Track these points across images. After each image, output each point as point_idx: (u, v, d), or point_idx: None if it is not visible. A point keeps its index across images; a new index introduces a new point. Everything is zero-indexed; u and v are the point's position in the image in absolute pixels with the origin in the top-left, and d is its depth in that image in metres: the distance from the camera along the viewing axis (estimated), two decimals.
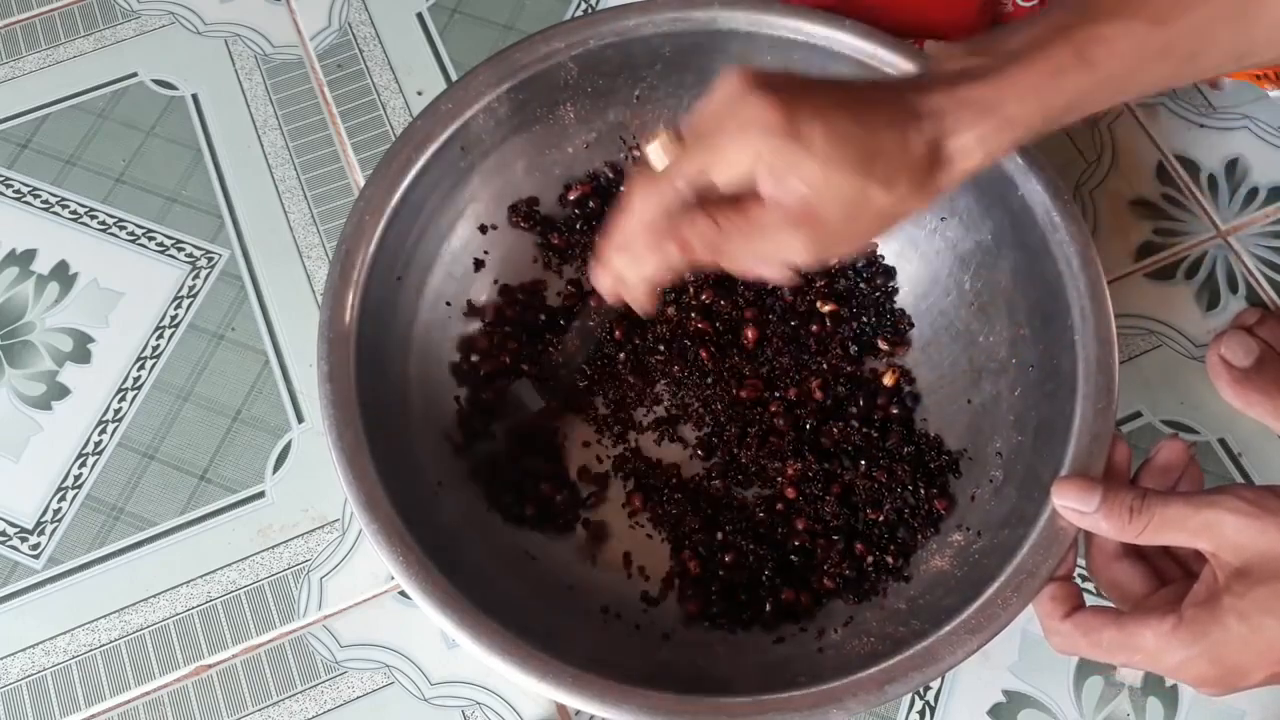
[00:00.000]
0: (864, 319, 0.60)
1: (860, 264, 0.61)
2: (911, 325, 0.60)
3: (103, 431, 0.65)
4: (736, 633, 0.54)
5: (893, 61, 0.55)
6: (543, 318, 0.61)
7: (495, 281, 0.62)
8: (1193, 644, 0.41)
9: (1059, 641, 0.45)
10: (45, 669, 0.59)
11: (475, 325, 0.61)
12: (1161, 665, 0.42)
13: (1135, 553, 0.47)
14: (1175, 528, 0.43)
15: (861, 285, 0.61)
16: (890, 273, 0.61)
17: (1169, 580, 0.46)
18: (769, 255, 0.42)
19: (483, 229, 0.61)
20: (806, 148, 0.38)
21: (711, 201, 0.41)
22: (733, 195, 0.41)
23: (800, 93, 0.39)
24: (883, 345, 0.60)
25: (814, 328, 0.60)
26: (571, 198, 0.62)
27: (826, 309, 0.60)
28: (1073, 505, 0.46)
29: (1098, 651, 0.44)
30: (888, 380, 0.59)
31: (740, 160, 0.39)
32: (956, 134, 0.40)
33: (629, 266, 0.44)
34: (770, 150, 0.39)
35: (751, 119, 0.39)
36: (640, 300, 0.46)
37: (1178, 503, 0.43)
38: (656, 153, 0.42)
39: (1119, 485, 0.46)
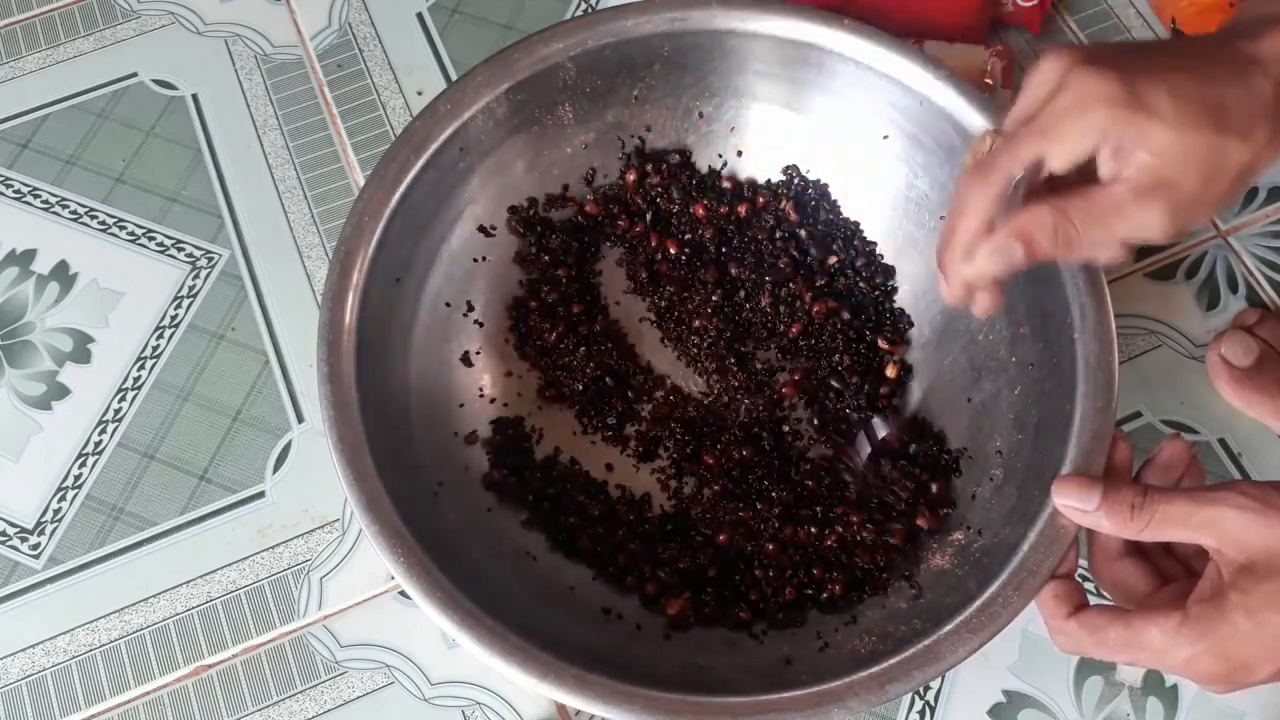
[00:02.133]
0: (864, 318, 0.60)
1: (860, 263, 0.61)
2: (911, 324, 0.60)
3: (103, 431, 0.65)
4: (736, 632, 0.54)
5: (893, 61, 0.55)
6: (546, 322, 0.61)
7: (495, 283, 0.62)
8: (1199, 640, 0.41)
9: (1064, 641, 0.45)
10: (45, 669, 0.59)
11: (475, 331, 0.61)
12: (1168, 662, 0.42)
13: (1137, 552, 0.47)
14: (1178, 524, 0.42)
15: (861, 284, 0.61)
16: (890, 272, 0.61)
17: (1171, 579, 0.46)
18: (1122, 235, 0.40)
19: (482, 230, 0.61)
20: (1154, 114, 0.37)
21: (1041, 193, 0.40)
22: (1061, 182, 0.39)
23: (1132, 60, 0.38)
24: (883, 344, 0.60)
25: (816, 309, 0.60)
26: (587, 211, 0.62)
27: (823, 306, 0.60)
28: (1073, 504, 0.45)
29: (1104, 650, 0.44)
30: (889, 373, 0.59)
31: (1083, 140, 0.38)
32: None
33: (974, 270, 0.42)
34: (1116, 123, 0.37)
35: (1089, 95, 0.38)
36: (990, 304, 0.45)
37: (1181, 499, 0.43)
38: (983, 156, 0.41)
39: (1120, 483, 0.45)
